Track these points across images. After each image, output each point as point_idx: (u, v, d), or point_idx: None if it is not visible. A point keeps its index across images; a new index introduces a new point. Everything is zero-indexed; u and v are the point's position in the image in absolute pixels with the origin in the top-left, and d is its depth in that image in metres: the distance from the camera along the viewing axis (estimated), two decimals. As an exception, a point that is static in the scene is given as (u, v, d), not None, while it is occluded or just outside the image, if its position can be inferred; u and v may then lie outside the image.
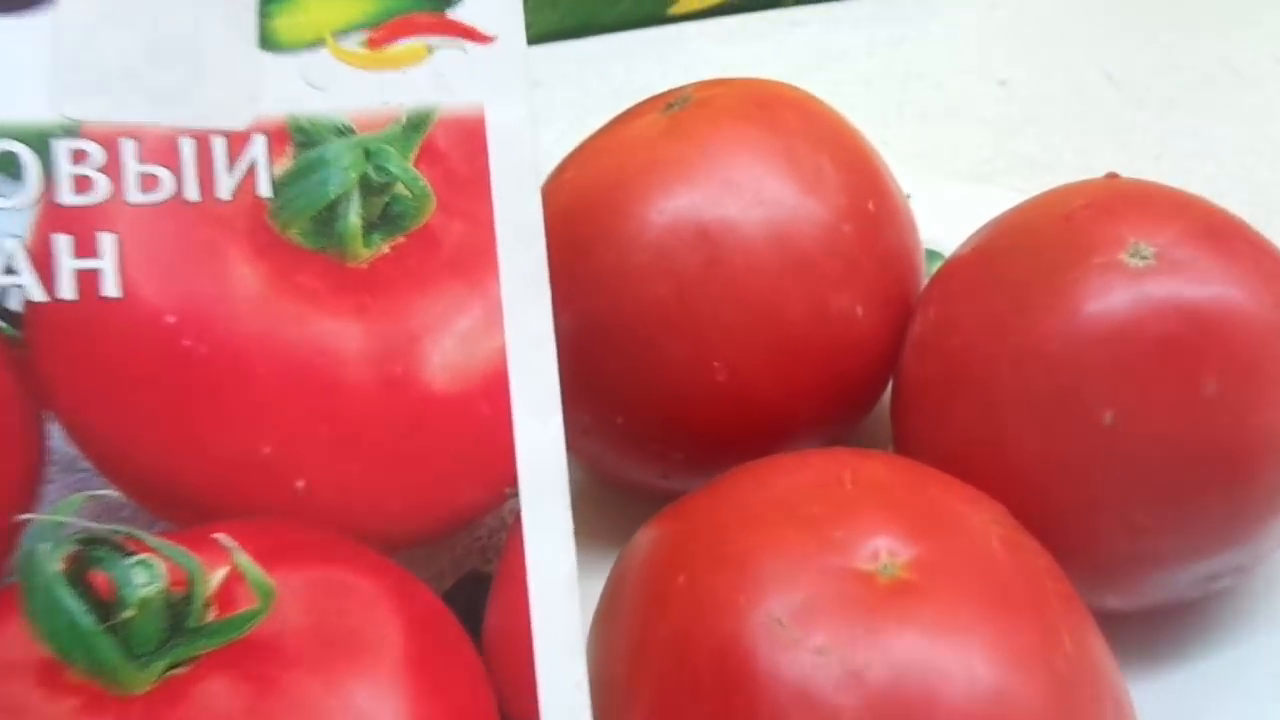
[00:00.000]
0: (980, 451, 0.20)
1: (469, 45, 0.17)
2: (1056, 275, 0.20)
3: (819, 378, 0.23)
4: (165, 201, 0.16)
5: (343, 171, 0.16)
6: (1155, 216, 0.20)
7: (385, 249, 0.17)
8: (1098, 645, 0.17)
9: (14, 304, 0.16)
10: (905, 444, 0.23)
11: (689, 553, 0.17)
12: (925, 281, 0.25)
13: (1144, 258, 0.19)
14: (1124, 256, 0.19)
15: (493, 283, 0.17)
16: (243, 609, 0.16)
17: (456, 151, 0.17)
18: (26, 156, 0.16)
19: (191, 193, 0.16)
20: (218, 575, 0.16)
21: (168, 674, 0.15)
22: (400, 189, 0.17)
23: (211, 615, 0.16)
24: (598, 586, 0.20)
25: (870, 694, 0.15)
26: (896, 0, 0.45)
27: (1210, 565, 0.20)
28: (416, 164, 0.17)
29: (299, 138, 0.16)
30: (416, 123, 0.17)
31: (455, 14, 0.17)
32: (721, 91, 0.24)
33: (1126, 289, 0.19)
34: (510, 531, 0.16)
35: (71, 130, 0.16)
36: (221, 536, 0.16)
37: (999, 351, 0.20)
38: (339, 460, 0.16)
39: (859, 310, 0.23)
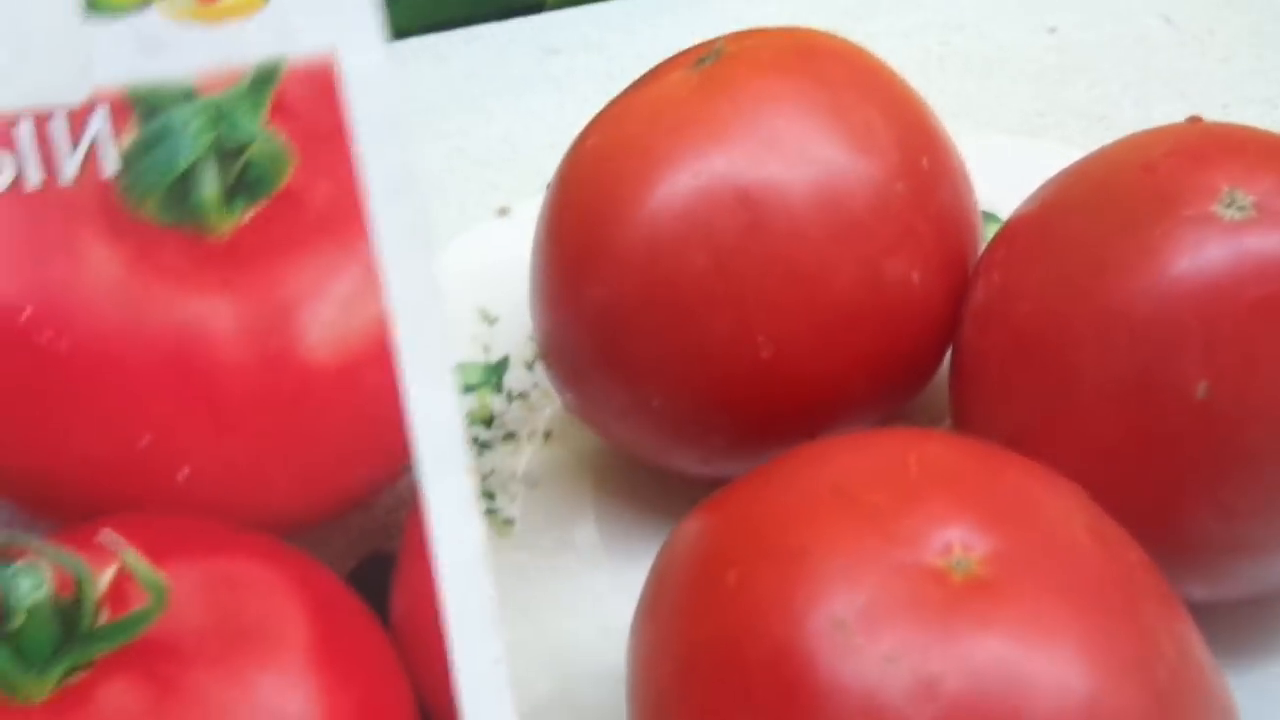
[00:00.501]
0: (1052, 428, 0.19)
1: None
2: (1140, 231, 0.18)
3: (871, 351, 0.21)
4: (5, 190, 0.15)
5: (191, 139, 0.15)
6: (1251, 162, 0.18)
7: (246, 217, 0.16)
8: (1201, 650, 0.15)
9: None
10: (966, 422, 0.21)
11: (738, 547, 0.16)
12: (984, 245, 0.23)
13: (1241, 208, 0.17)
14: (1218, 208, 0.17)
15: (365, 243, 0.15)
16: (136, 608, 0.15)
17: (310, 104, 0.15)
18: None
19: (34, 178, 0.15)
20: (106, 575, 0.15)
21: (65, 680, 0.15)
22: (256, 150, 0.15)
23: (104, 617, 0.15)
24: (639, 580, 0.19)
25: (946, 706, 0.13)
26: (934, -53, 0.43)
27: (1312, 551, 0.18)
28: (269, 122, 0.16)
29: (141, 108, 0.15)
30: (264, 77, 0.15)
31: None
32: (757, 43, 0.22)
33: (1222, 244, 0.17)
34: (410, 508, 0.16)
35: None
36: (105, 534, 0.15)
37: (1074, 317, 0.18)
38: (222, 446, 0.15)
39: (915, 276, 0.21)
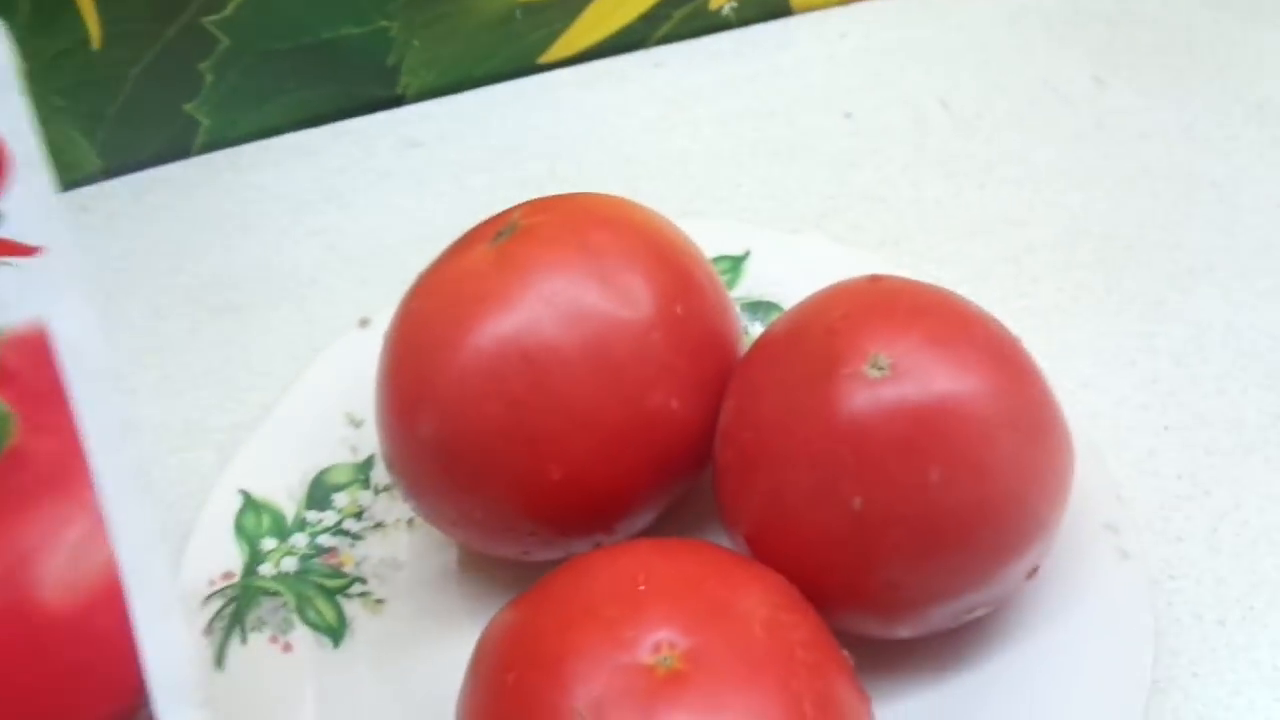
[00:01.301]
0: (772, 528, 0.25)
1: (15, 260, 0.16)
2: (817, 383, 0.24)
3: (644, 466, 0.27)
4: None
5: None
6: (896, 327, 0.24)
7: None
8: (841, 702, 0.21)
9: None
10: (722, 514, 0.27)
11: (516, 654, 0.22)
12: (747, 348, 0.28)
13: (880, 369, 0.23)
14: (866, 369, 0.23)
15: (90, 492, 0.17)
16: None
17: (29, 368, 0.16)
18: None
19: None
20: None
21: None
22: None
23: None
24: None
25: (645, 770, 0.19)
26: (752, 33, 0.48)
27: (962, 603, 0.25)
28: None
29: None
30: None
31: None
32: (544, 219, 0.27)
33: (866, 396, 0.23)
34: None
35: None
36: None
37: (777, 447, 0.24)
38: None
39: (674, 404, 0.27)
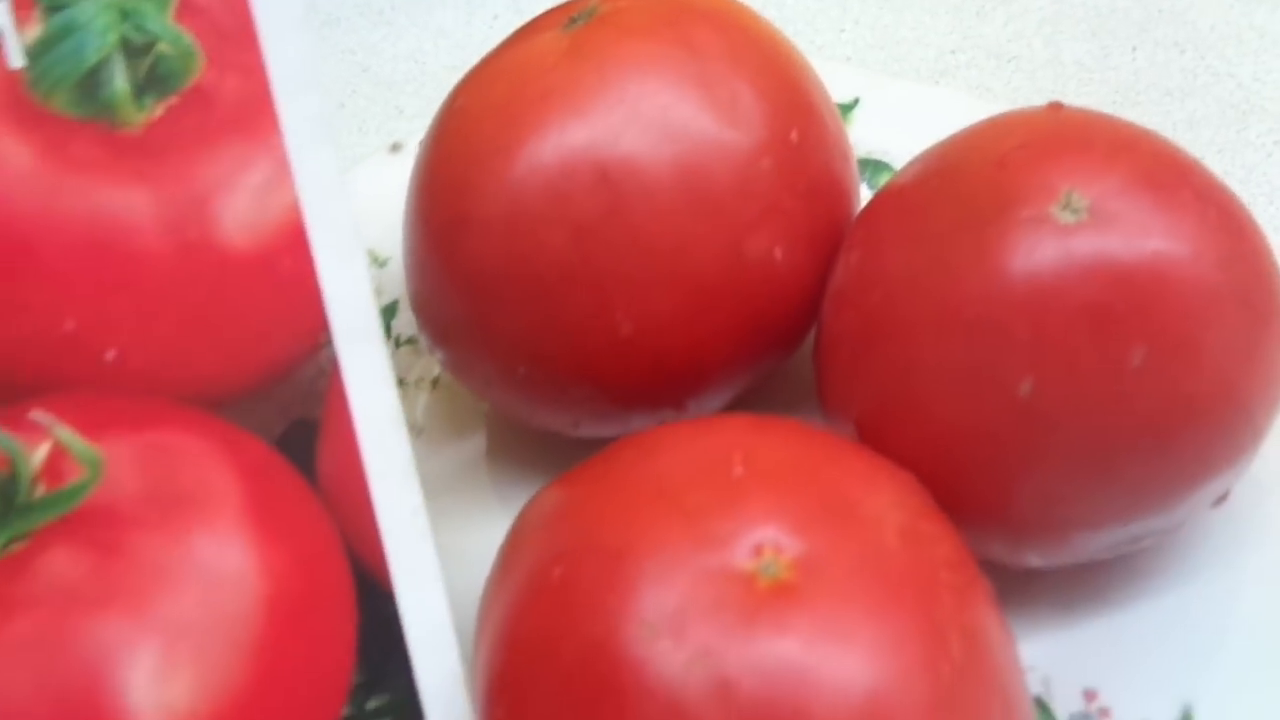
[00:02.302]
0: (895, 415, 0.19)
1: None
2: (982, 229, 0.18)
3: (733, 327, 0.21)
4: None
5: (99, 35, 0.16)
6: (1094, 161, 0.18)
7: (158, 111, 0.16)
8: (991, 640, 0.16)
9: None
10: (825, 396, 0.21)
11: (567, 541, 0.16)
12: (863, 204, 0.23)
13: (1076, 211, 0.17)
14: (1054, 210, 0.18)
15: (275, 135, 0.17)
16: (72, 481, 0.16)
17: (218, 3, 0.16)
18: None
19: None
20: (40, 451, 0.16)
21: (6, 551, 0.16)
22: (164, 47, 0.16)
23: (40, 491, 0.16)
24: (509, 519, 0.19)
25: (739, 707, 0.14)
26: None
27: (1132, 529, 0.19)
28: (177, 19, 0.16)
29: (45, 1, 0.16)
30: None
31: None
32: (632, 4, 0.21)
33: (1053, 248, 0.17)
34: (329, 377, 0.17)
35: None
36: (37, 413, 0.16)
37: (917, 311, 0.19)
38: (146, 328, 0.16)
39: (778, 253, 0.21)
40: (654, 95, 0.20)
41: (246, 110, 0.17)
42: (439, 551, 0.25)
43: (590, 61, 0.20)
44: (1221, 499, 0.20)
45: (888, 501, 0.16)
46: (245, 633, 0.16)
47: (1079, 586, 0.22)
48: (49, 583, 0.16)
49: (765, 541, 0.15)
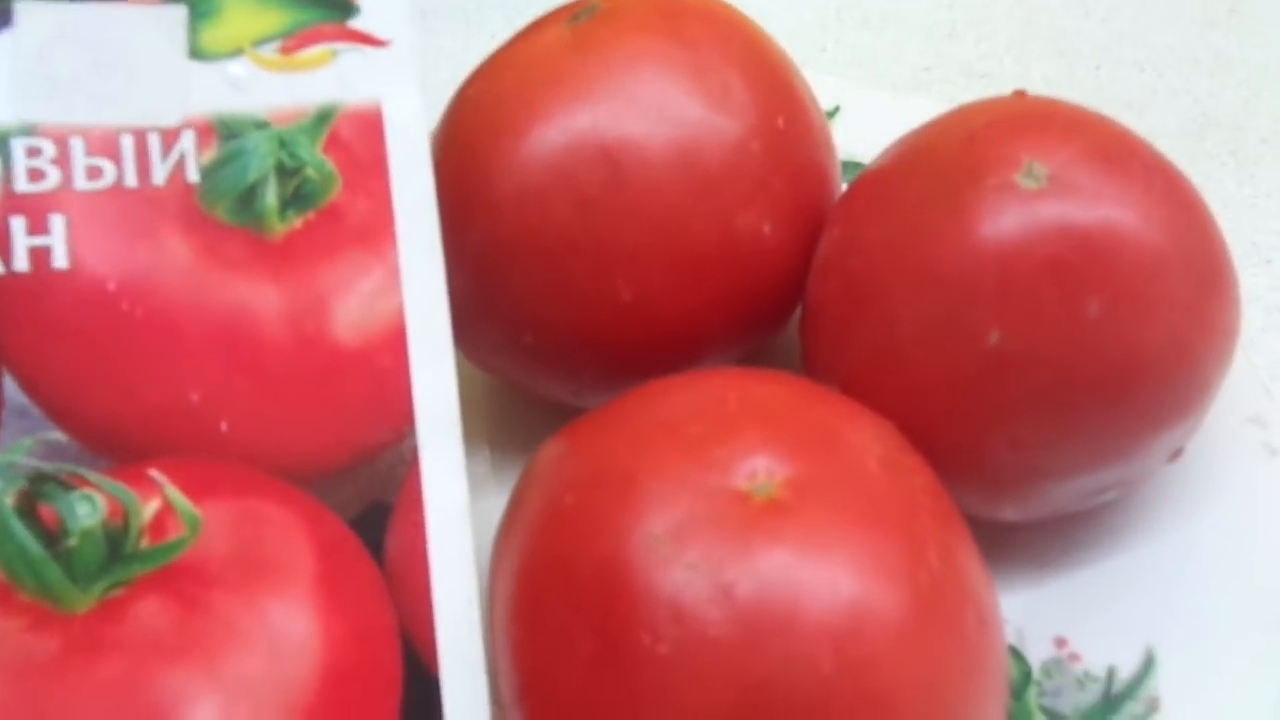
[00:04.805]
0: (877, 372, 0.21)
1: (367, 49, 0.20)
2: (952, 196, 0.20)
3: (725, 296, 0.23)
4: (108, 188, 0.19)
5: (261, 158, 0.19)
6: (1054, 136, 0.20)
7: (298, 224, 0.19)
8: (966, 559, 0.17)
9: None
10: (811, 363, 0.23)
11: (577, 473, 0.18)
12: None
13: (1037, 179, 0.19)
14: (1018, 178, 0.19)
15: (392, 250, 0.19)
16: (172, 537, 0.18)
17: (359, 139, 0.19)
18: None
19: (131, 180, 0.19)
20: (151, 507, 0.18)
21: (106, 595, 0.17)
22: (310, 172, 0.19)
23: (145, 543, 0.18)
24: (506, 498, 0.20)
25: (736, 607, 0.15)
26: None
27: (1095, 479, 0.21)
28: (324, 151, 0.19)
29: (223, 131, 0.19)
30: (323, 116, 0.19)
31: (355, 23, 0.20)
32: (630, 1, 0.23)
33: (1017, 211, 0.19)
34: (409, 465, 0.19)
35: (28, 130, 0.19)
36: (154, 472, 0.18)
37: (896, 273, 0.20)
38: (258, 406, 0.18)
39: (766, 228, 0.23)
40: (652, 83, 0.22)
41: (370, 227, 0.19)
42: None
43: (593, 53, 0.22)
44: (1176, 454, 0.22)
45: (869, 436, 0.18)
46: (299, 697, 0.17)
47: (1049, 542, 0.24)
48: (138, 629, 0.17)
49: (759, 465, 0.17)
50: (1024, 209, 0.19)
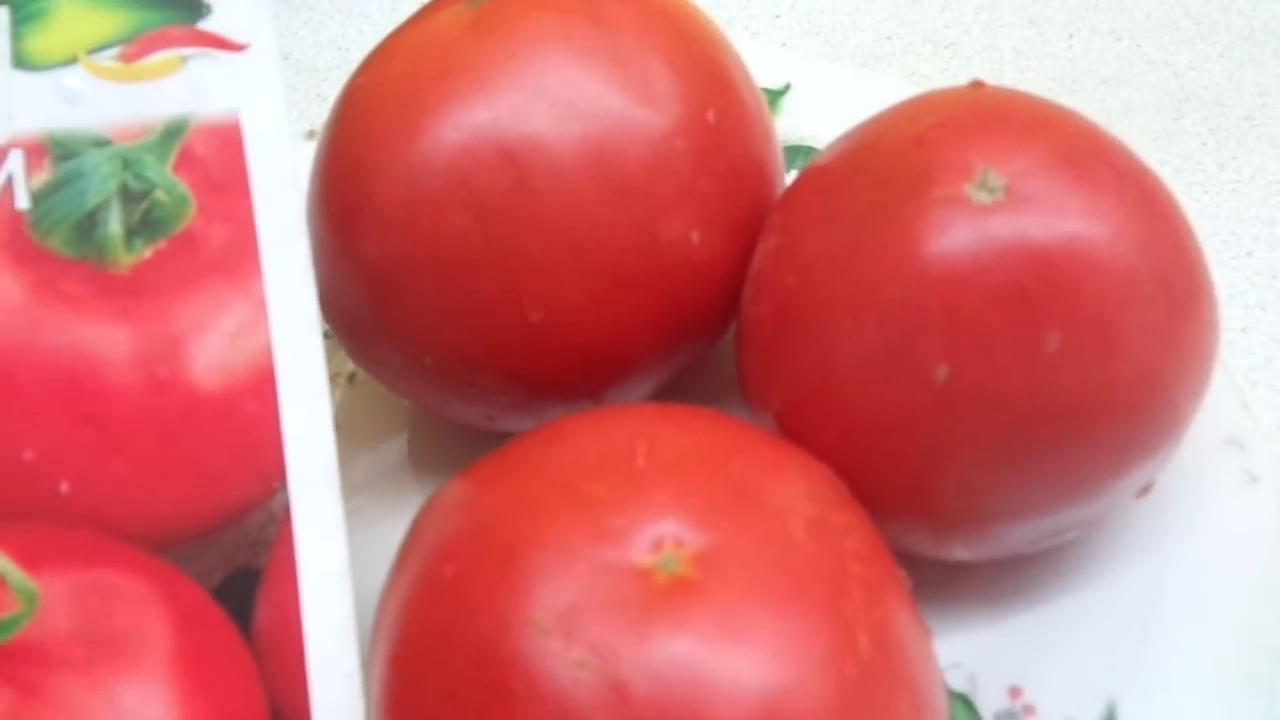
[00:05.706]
0: (813, 404, 0.19)
1: (221, 54, 0.18)
2: (897, 209, 0.17)
3: (648, 314, 0.20)
4: None
5: (101, 181, 0.17)
6: (1011, 139, 0.17)
7: (147, 254, 0.17)
8: (903, 635, 0.15)
9: None
10: (745, 386, 0.21)
11: (459, 538, 0.16)
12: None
13: (991, 191, 0.17)
14: (969, 190, 0.17)
15: (256, 281, 0.17)
16: (5, 614, 0.16)
17: (214, 157, 0.17)
18: None
19: None
20: None
21: None
22: (159, 195, 0.17)
23: None
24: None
25: (631, 711, 0.13)
26: None
27: (1054, 522, 0.19)
28: (174, 170, 0.17)
29: (56, 151, 0.17)
30: (173, 131, 0.17)
31: (206, 25, 0.18)
32: (541, -23, 0.20)
33: (968, 229, 0.17)
34: (280, 525, 0.17)
35: None
36: None
37: (833, 296, 0.18)
38: (104, 463, 0.16)
39: (694, 236, 0.20)
40: (561, 71, 0.19)
41: (231, 256, 0.17)
42: (356, 551, 0.24)
43: (494, 36, 0.19)
44: (1146, 489, 0.20)
45: (797, 492, 0.16)
46: None
47: (1005, 580, 0.22)
48: None
49: (665, 535, 0.15)
50: (976, 227, 0.17)
